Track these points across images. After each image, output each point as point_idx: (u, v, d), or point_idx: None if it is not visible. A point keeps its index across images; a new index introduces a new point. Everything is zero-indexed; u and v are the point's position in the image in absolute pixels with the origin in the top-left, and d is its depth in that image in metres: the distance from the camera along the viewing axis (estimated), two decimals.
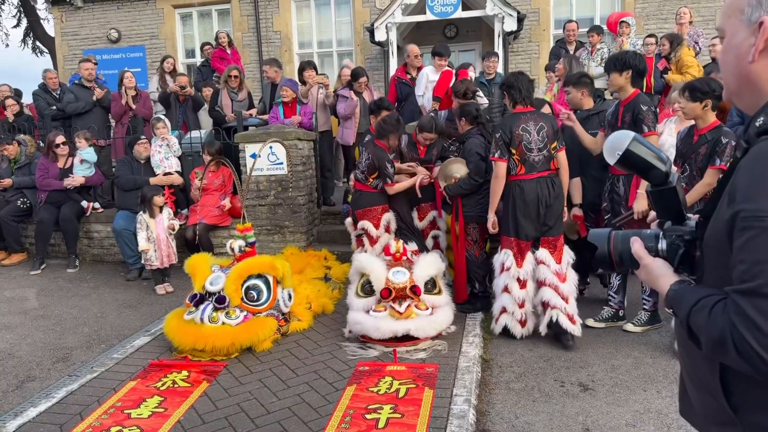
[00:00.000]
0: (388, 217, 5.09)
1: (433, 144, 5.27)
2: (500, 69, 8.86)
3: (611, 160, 1.27)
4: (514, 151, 4.21)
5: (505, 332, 4.39)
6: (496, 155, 4.22)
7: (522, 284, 4.28)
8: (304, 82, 7.26)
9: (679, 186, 1.24)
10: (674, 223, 1.25)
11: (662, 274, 1.22)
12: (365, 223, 5.02)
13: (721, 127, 3.91)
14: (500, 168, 4.22)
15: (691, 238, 1.23)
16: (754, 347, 0.95)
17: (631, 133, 1.26)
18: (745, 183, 1.00)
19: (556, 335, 4.22)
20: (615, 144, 1.26)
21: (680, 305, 1.12)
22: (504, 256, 4.36)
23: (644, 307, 4.45)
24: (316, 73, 7.28)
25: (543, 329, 4.25)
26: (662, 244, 1.24)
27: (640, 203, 4.03)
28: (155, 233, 5.85)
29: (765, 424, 1.07)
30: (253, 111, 7.61)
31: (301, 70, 7.41)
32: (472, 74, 7.05)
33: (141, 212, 5.91)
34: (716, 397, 1.14)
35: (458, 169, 4.89)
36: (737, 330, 0.97)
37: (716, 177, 3.79)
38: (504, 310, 4.36)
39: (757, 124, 1.06)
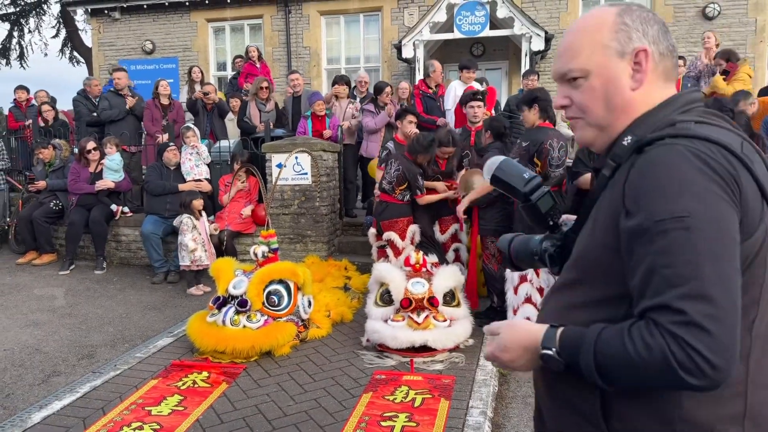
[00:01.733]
0: (414, 228, 5.14)
1: (453, 156, 5.35)
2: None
3: (487, 179, 1.42)
4: (538, 164, 4.27)
5: None
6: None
7: (542, 293, 4.31)
8: (337, 97, 7.43)
9: (544, 201, 1.33)
10: (551, 232, 1.35)
11: (525, 328, 1.15)
12: (391, 234, 5.09)
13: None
14: None
15: (561, 243, 1.32)
16: (704, 354, 0.90)
17: (500, 158, 1.40)
18: (645, 191, 1.00)
19: None
20: (489, 167, 1.39)
21: (580, 344, 1.03)
22: None
23: None
24: (349, 88, 7.42)
25: None
26: (545, 245, 1.34)
27: None
28: (203, 234, 6.02)
29: None
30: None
31: (334, 83, 7.58)
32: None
33: (185, 216, 6.05)
34: (596, 424, 1.09)
35: (479, 180, 4.93)
36: (680, 341, 0.91)
37: None
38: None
39: (625, 142, 1.10)
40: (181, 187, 6.70)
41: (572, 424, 1.15)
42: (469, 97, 5.74)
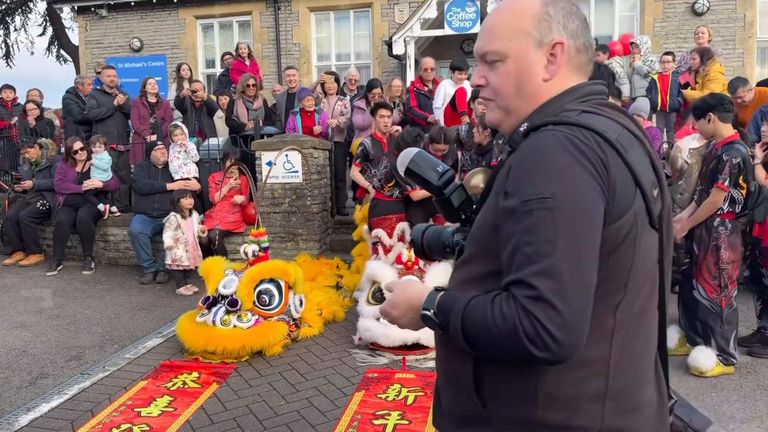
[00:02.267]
0: (403, 226, 5.11)
1: (447, 155, 5.29)
2: None
3: (401, 172, 1.39)
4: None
5: None
6: None
7: None
8: (326, 93, 7.38)
9: (456, 195, 1.33)
10: (463, 225, 1.36)
11: (416, 288, 1.20)
12: (379, 232, 5.06)
13: (733, 143, 3.74)
14: None
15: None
16: (549, 328, 0.94)
17: (414, 150, 1.39)
18: (520, 174, 1.04)
19: None
20: (402, 159, 1.38)
21: (452, 307, 1.08)
22: None
23: None
24: (338, 85, 7.37)
25: None
26: (457, 237, 1.36)
27: None
28: (186, 235, 5.94)
29: (512, 416, 1.08)
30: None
31: (323, 81, 7.54)
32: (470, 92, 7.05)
33: (172, 214, 5.99)
34: (469, 395, 1.13)
35: (480, 179, 4.89)
36: (529, 314, 0.95)
37: (719, 196, 3.70)
38: None
39: (522, 129, 1.13)
40: (170, 186, 6.63)
41: (455, 399, 1.19)
42: (476, 93, 5.71)
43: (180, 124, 7.12)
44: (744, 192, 3.72)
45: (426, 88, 7.17)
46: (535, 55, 1.14)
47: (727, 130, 3.82)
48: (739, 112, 6.19)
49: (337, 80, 7.40)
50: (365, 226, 5.37)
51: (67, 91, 8.60)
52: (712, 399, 3.54)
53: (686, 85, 7.13)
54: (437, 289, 1.14)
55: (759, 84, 7.04)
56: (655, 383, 1.16)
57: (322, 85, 7.52)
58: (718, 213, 3.78)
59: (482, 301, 1.03)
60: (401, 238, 5.08)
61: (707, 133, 3.94)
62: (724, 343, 3.83)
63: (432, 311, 1.11)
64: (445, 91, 6.73)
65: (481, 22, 10.17)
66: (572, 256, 0.96)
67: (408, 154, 1.37)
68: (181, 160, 6.85)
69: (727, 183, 3.67)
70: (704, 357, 3.83)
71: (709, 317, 3.84)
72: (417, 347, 4.16)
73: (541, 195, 0.99)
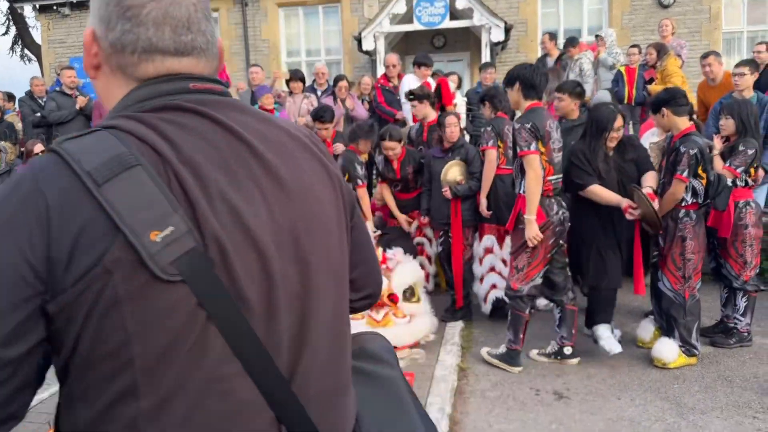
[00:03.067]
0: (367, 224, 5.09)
1: (406, 160, 5.19)
2: None
3: None
4: (501, 145, 4.33)
5: (494, 313, 4.88)
6: (532, 147, 3.64)
7: (505, 263, 4.55)
8: (290, 92, 7.29)
9: None
10: None
11: None
12: None
13: (689, 134, 3.80)
14: (536, 161, 3.67)
15: None
16: None
17: None
18: None
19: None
20: None
21: None
22: (488, 241, 4.84)
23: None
24: (303, 84, 7.27)
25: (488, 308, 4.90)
26: None
27: (531, 229, 3.69)
28: None
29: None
30: None
31: (287, 81, 7.43)
32: (453, 84, 7.06)
33: None
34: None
35: (457, 172, 4.88)
36: None
37: (679, 187, 3.74)
38: (494, 287, 4.81)
39: None
40: None
41: None
42: (406, 97, 5.84)
43: None
44: (704, 182, 3.77)
45: (391, 84, 7.14)
46: (91, 46, 0.90)
47: (683, 123, 3.87)
48: (707, 91, 6.24)
49: (302, 79, 7.27)
50: None
51: (25, 93, 8.36)
52: (674, 390, 3.58)
53: (651, 80, 7.20)
54: None
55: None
56: None
57: (287, 83, 7.41)
58: (683, 204, 3.82)
59: None
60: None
61: (664, 127, 4.06)
62: (686, 334, 3.87)
63: None
64: (409, 87, 6.68)
65: (450, 17, 10.21)
66: None
67: None
68: None
69: (686, 174, 3.71)
70: (667, 348, 3.88)
71: (672, 308, 3.89)
72: None
73: None
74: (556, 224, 3.79)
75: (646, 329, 4.29)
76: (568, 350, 4.05)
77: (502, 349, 4.05)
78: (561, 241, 3.90)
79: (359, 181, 4.99)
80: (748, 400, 3.43)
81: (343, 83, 6.95)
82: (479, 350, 4.26)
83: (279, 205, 0.87)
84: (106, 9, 0.87)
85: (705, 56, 6.21)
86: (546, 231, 3.74)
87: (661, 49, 7.12)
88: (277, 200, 0.87)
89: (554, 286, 3.99)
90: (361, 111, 7.19)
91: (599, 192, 3.89)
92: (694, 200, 3.81)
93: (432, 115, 5.48)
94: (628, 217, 3.80)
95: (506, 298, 4.11)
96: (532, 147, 3.65)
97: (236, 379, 0.81)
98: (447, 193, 4.77)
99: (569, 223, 3.91)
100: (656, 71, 7.15)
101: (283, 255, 0.85)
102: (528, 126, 3.66)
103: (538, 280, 3.88)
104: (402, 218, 5.33)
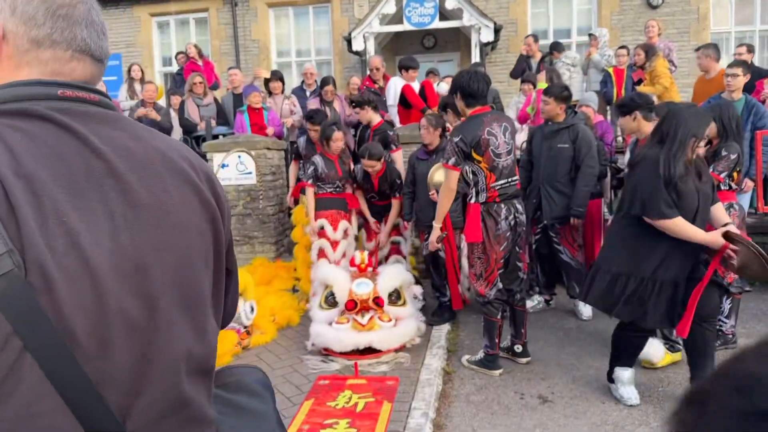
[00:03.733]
0: (346, 224, 5.10)
1: (384, 177, 5.15)
2: None
3: None
4: (480, 159, 4.22)
5: None
6: (450, 162, 3.71)
7: None
8: (270, 93, 7.24)
9: None
10: None
11: None
12: (322, 222, 5.11)
13: None
14: (453, 176, 3.79)
15: None
16: None
17: None
18: None
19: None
20: None
21: None
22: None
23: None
24: (282, 84, 7.22)
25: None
26: None
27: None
28: None
29: None
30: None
31: (267, 81, 7.37)
32: (443, 85, 7.05)
33: None
34: None
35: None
36: None
37: None
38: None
39: None
40: None
41: None
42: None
43: None
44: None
45: (376, 86, 7.12)
46: None
47: (649, 128, 3.87)
48: (703, 85, 6.24)
49: (281, 79, 7.22)
50: (308, 226, 5.25)
51: None
52: (659, 393, 3.58)
53: (639, 82, 7.21)
54: None
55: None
56: None
57: (266, 84, 7.35)
58: None
59: None
60: (345, 235, 5.06)
61: (631, 130, 4.07)
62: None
63: None
64: (395, 89, 6.68)
65: (440, 17, 10.19)
66: None
67: None
68: None
69: None
70: (654, 349, 3.88)
71: None
72: (369, 351, 4.12)
73: None
74: (506, 230, 3.78)
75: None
76: (518, 348, 4.12)
77: (480, 354, 4.06)
78: (517, 248, 3.90)
79: (305, 179, 5.12)
80: None
81: (329, 87, 6.91)
82: (465, 353, 4.25)
83: (129, 232, 0.80)
84: (29, 4, 0.84)
85: (697, 49, 6.30)
86: (497, 237, 3.77)
87: (649, 50, 7.13)
88: (128, 226, 0.80)
89: (509, 290, 3.98)
90: (351, 113, 7.16)
91: (683, 228, 3.05)
92: None
93: (376, 118, 5.62)
94: (725, 266, 3.19)
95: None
96: (451, 162, 3.70)
97: (56, 416, 0.74)
98: (434, 196, 4.75)
99: (524, 227, 3.91)
100: (645, 72, 7.16)
101: (125, 287, 0.79)
102: (455, 140, 3.68)
103: (500, 285, 3.88)
104: (373, 221, 5.37)
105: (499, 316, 3.93)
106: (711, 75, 6.11)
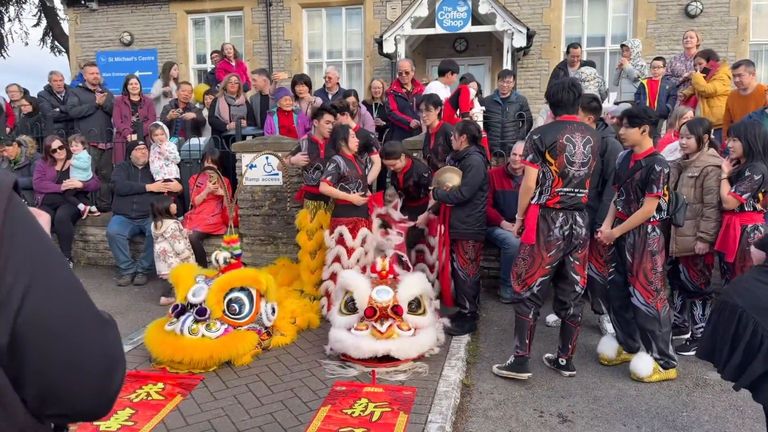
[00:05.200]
0: (365, 232, 5.08)
1: (410, 173, 5.31)
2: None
3: None
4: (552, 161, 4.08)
5: None
6: (528, 158, 3.83)
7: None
8: (297, 96, 7.25)
9: None
10: None
11: None
12: (342, 229, 5.06)
13: (655, 154, 3.92)
14: (531, 172, 3.85)
15: None
16: None
17: None
18: None
19: None
20: None
21: None
22: None
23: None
24: (309, 89, 7.23)
25: None
26: None
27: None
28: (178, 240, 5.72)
29: None
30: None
31: (293, 84, 7.38)
32: (473, 91, 6.98)
33: (172, 221, 5.69)
34: None
35: (451, 178, 4.84)
36: None
37: (654, 204, 3.83)
38: None
39: None
40: (150, 187, 6.54)
41: None
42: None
43: (161, 123, 7.01)
44: (667, 199, 3.93)
45: (404, 90, 7.08)
46: None
47: (649, 143, 3.96)
48: (736, 101, 6.04)
49: (308, 83, 7.23)
50: (326, 231, 5.24)
51: (43, 88, 8.48)
52: (683, 418, 3.48)
53: (705, 71, 6.92)
54: None
55: None
56: None
57: (293, 87, 7.36)
58: (651, 220, 3.90)
59: None
60: (363, 243, 5.04)
61: (634, 142, 3.99)
62: (664, 347, 3.97)
63: None
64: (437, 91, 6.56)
65: (472, 22, 10.10)
66: None
67: None
68: (162, 161, 6.76)
69: (661, 191, 3.82)
70: (643, 363, 3.99)
71: (648, 322, 3.96)
72: (387, 359, 4.10)
73: None
74: (558, 238, 3.80)
75: (610, 348, 4.29)
76: (562, 361, 4.12)
77: (511, 359, 4.08)
78: (572, 259, 3.88)
79: (324, 176, 5.04)
80: None
81: (351, 99, 6.79)
82: (484, 366, 4.22)
83: None
84: None
85: (736, 66, 6.07)
86: (547, 243, 3.80)
87: (710, 56, 6.94)
88: None
89: (561, 302, 4.04)
90: (369, 121, 7.10)
91: None
92: (659, 216, 3.93)
93: (352, 124, 5.69)
94: None
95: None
96: (529, 158, 3.83)
97: None
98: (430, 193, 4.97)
99: (582, 241, 3.90)
100: (707, 77, 6.88)
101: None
102: (534, 137, 3.81)
103: (536, 289, 3.89)
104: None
105: (531, 316, 3.94)
106: (748, 91, 5.94)
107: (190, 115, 7.62)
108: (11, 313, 0.76)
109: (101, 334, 0.88)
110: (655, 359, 3.95)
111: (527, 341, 3.97)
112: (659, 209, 3.91)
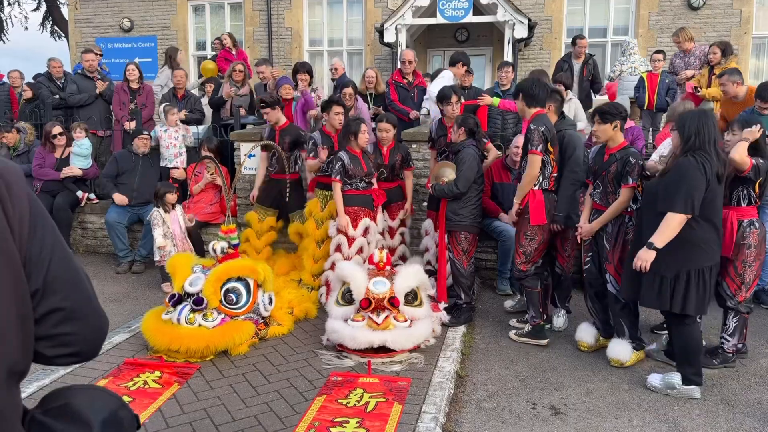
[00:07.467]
0: (367, 222, 5.10)
1: (395, 148, 5.47)
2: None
3: None
4: (552, 150, 4.42)
5: None
6: (539, 149, 4.29)
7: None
8: (296, 85, 7.22)
9: None
10: None
11: None
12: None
13: (628, 147, 4.15)
14: (537, 161, 4.34)
15: None
16: None
17: None
18: None
19: None
20: None
21: None
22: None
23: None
24: (311, 77, 7.18)
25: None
26: None
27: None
28: (171, 229, 5.71)
29: None
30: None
31: (294, 72, 7.32)
32: (453, 78, 6.78)
33: (155, 208, 5.74)
34: None
35: (448, 173, 4.86)
36: None
37: (630, 195, 4.03)
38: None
39: None
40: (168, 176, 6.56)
41: None
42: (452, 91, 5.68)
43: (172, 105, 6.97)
44: (640, 189, 4.05)
45: (405, 81, 7.04)
46: None
47: (621, 137, 4.18)
48: (730, 107, 6.03)
49: (309, 72, 7.16)
50: (331, 221, 5.26)
51: (42, 74, 8.44)
52: (674, 412, 3.52)
53: (712, 68, 6.88)
54: None
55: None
56: None
57: (294, 75, 7.29)
58: (628, 210, 4.10)
59: None
60: (365, 233, 5.06)
61: (608, 137, 4.16)
62: (633, 330, 4.18)
63: None
64: (443, 82, 6.44)
65: (474, 12, 10.04)
66: None
67: None
68: (177, 148, 6.71)
69: (637, 182, 4.01)
70: (621, 348, 4.11)
71: (619, 306, 4.15)
72: (383, 350, 4.13)
73: None
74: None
75: (589, 334, 4.42)
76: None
77: (528, 327, 4.58)
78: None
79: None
80: (749, 427, 3.36)
81: (348, 90, 6.59)
82: (479, 357, 4.26)
83: None
84: None
85: (720, 75, 6.04)
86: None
87: (726, 49, 6.90)
88: None
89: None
90: (365, 112, 7.03)
91: None
92: (635, 206, 4.10)
93: (282, 119, 5.82)
94: None
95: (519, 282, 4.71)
96: (540, 148, 4.29)
97: None
98: (428, 186, 5.18)
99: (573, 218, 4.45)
100: (716, 68, 6.81)
101: None
102: (542, 129, 4.28)
103: (540, 262, 4.52)
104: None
105: (539, 287, 4.53)
106: (740, 98, 5.92)
107: (244, 90, 7.55)
108: (44, 267, 1.03)
109: (94, 294, 1.16)
110: (628, 342, 4.15)
111: (540, 309, 4.54)
112: (635, 200, 4.10)
